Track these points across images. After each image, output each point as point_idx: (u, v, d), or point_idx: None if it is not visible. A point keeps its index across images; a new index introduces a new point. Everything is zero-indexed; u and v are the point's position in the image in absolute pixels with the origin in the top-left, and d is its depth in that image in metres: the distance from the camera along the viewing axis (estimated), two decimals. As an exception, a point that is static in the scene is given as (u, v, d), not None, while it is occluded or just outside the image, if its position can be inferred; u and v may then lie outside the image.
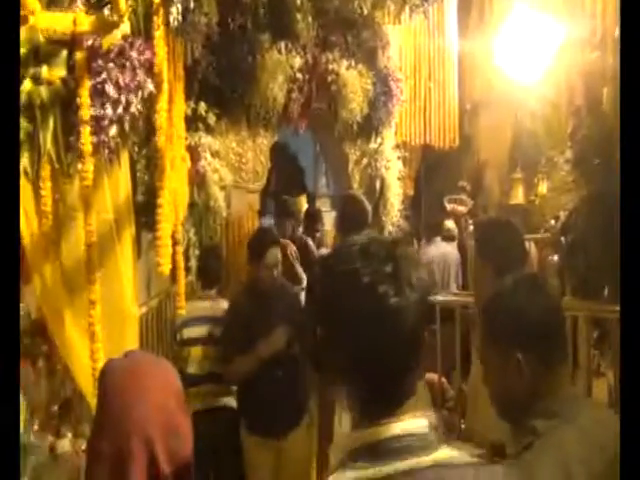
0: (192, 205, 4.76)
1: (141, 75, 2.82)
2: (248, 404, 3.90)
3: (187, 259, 4.66)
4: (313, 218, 6.90)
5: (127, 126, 2.78)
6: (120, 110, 2.72)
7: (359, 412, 1.15)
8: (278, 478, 3.86)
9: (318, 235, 6.77)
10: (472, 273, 2.90)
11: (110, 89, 2.70)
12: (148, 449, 1.28)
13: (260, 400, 3.76)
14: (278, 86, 5.30)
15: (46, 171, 2.62)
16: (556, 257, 4.03)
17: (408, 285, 1.10)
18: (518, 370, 1.61)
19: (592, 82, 4.13)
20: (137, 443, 1.27)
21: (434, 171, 7.88)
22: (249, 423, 3.87)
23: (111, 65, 2.72)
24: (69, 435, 2.79)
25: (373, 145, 6.32)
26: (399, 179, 6.52)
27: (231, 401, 4.20)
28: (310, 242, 6.41)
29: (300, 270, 5.59)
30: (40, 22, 2.62)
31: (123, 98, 2.73)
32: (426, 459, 1.09)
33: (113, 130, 2.73)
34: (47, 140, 2.60)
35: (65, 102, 2.66)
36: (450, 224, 6.62)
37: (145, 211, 3.71)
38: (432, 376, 3.99)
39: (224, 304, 4.35)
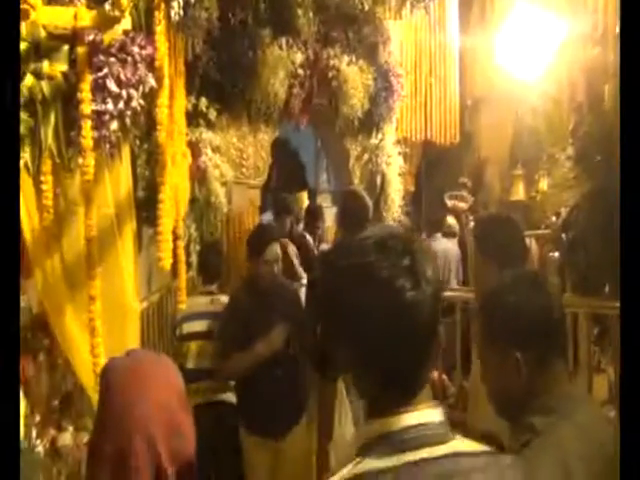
0: (193, 201, 4.76)
1: (142, 70, 2.82)
2: (247, 404, 3.89)
3: (188, 254, 4.66)
4: (314, 214, 6.89)
5: (128, 121, 2.77)
6: (121, 105, 2.72)
7: (373, 403, 1.16)
8: (276, 478, 3.84)
9: (319, 232, 6.77)
10: (473, 269, 2.90)
11: (111, 84, 2.69)
12: (151, 448, 1.28)
13: (259, 400, 3.74)
14: (279, 82, 5.30)
15: (47, 166, 2.62)
16: (557, 254, 4.02)
17: (424, 278, 1.12)
18: (516, 367, 1.61)
19: (594, 78, 4.12)
20: (140, 442, 1.27)
21: (435, 167, 7.87)
22: (248, 423, 3.85)
23: (112, 60, 2.71)
24: (70, 429, 2.80)
25: (374, 141, 6.32)
26: (400, 175, 6.52)
27: (230, 397, 4.20)
28: (309, 239, 6.41)
29: (300, 269, 5.58)
30: (41, 17, 2.62)
31: (124, 93, 2.72)
32: (440, 449, 1.11)
33: (114, 125, 2.72)
34: (48, 135, 2.60)
35: (66, 97, 2.65)
36: (451, 220, 6.61)
37: (146, 206, 3.71)
38: (432, 373, 3.99)
39: (224, 299, 4.35)
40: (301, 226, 6.82)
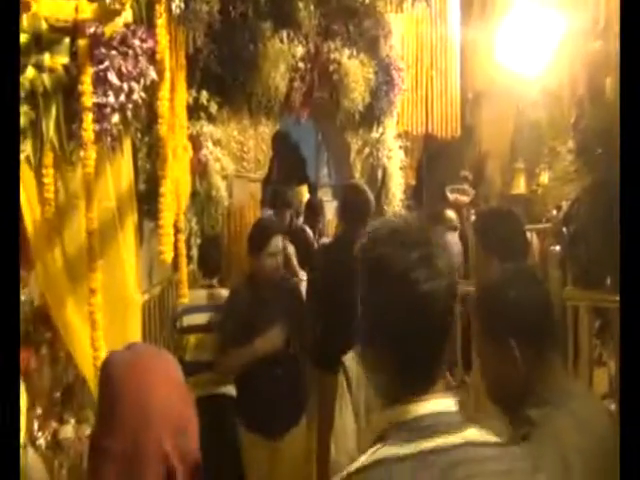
0: (194, 194, 4.76)
1: (143, 63, 2.81)
2: (246, 401, 3.88)
3: (189, 248, 4.67)
4: (314, 208, 6.90)
5: (129, 114, 2.77)
6: (122, 98, 2.72)
7: (390, 392, 1.18)
8: (274, 476, 3.83)
9: (319, 225, 6.77)
10: (473, 263, 2.90)
11: (112, 77, 2.69)
12: (159, 444, 1.27)
13: (258, 398, 3.73)
14: (280, 75, 5.29)
15: (49, 159, 2.62)
16: (558, 247, 4.01)
17: (439, 270, 1.14)
18: (513, 361, 1.62)
19: (595, 71, 4.11)
20: (148, 438, 1.26)
21: (436, 161, 7.87)
22: (246, 421, 3.85)
23: (114, 53, 2.71)
24: (72, 421, 2.80)
25: (375, 134, 6.31)
26: (401, 169, 6.52)
27: (231, 390, 4.21)
28: (309, 232, 6.41)
29: (297, 268, 5.56)
30: (42, 9, 2.61)
31: (125, 86, 2.72)
32: (456, 437, 1.13)
33: (115, 118, 2.72)
34: (50, 127, 2.59)
35: (67, 89, 2.65)
36: (451, 214, 6.61)
37: (147, 199, 3.72)
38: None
39: (225, 293, 4.36)
40: (301, 220, 6.83)
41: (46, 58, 2.61)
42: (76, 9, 2.66)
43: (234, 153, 5.47)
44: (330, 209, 7.37)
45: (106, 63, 2.69)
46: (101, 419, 1.34)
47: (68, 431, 2.79)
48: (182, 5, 3.41)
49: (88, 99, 2.64)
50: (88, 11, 2.67)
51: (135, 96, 2.76)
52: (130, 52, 2.76)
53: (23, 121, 2.54)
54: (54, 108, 2.61)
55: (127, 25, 2.83)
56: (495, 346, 1.67)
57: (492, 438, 1.19)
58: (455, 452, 1.12)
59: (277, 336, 3.65)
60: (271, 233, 3.79)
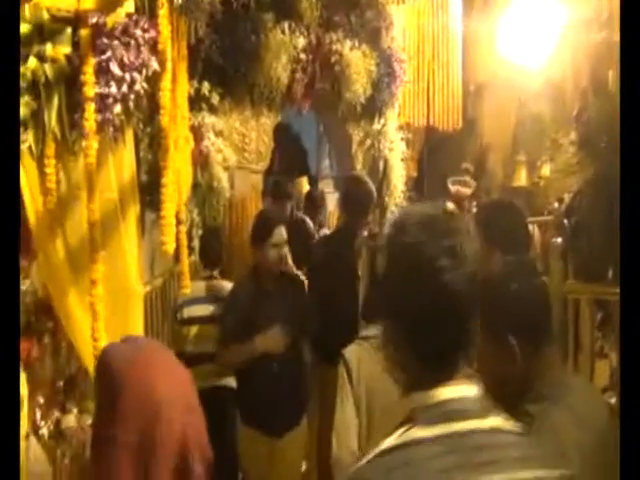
0: (195, 186, 4.75)
1: (145, 53, 2.81)
2: (246, 398, 3.87)
3: (190, 239, 4.67)
4: (315, 200, 6.89)
5: (132, 104, 2.77)
6: (125, 88, 2.71)
7: (415, 377, 1.21)
8: (273, 470, 3.83)
9: (320, 217, 6.77)
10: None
11: (115, 67, 2.68)
12: (171, 428, 1.26)
13: (259, 396, 3.72)
14: (282, 66, 5.28)
15: (51, 149, 2.61)
16: (559, 240, 4.01)
17: (465, 258, 1.18)
18: (511, 356, 1.62)
19: (598, 63, 4.10)
20: (160, 425, 1.25)
21: (437, 153, 7.86)
22: (246, 417, 3.84)
23: (116, 43, 2.70)
24: (74, 411, 2.81)
25: (376, 126, 6.29)
26: (402, 160, 6.51)
27: (232, 382, 4.21)
28: (309, 223, 6.41)
29: (293, 268, 5.52)
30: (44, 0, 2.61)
31: (128, 76, 2.71)
32: (481, 422, 1.17)
33: (118, 108, 2.71)
34: (52, 118, 2.59)
35: (70, 80, 2.64)
36: (450, 206, 6.59)
37: (149, 190, 3.71)
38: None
39: (226, 285, 4.36)
40: (302, 211, 6.82)
41: (48, 48, 2.60)
42: (78, -1, 2.65)
43: (236, 144, 5.46)
44: (332, 201, 7.37)
45: (108, 53, 2.68)
46: (102, 410, 1.33)
47: (70, 420, 2.80)
48: (184, -5, 3.41)
49: (90, 89, 2.63)
50: (90, 1, 2.66)
51: (137, 87, 2.75)
52: (132, 42, 2.75)
53: (25, 111, 2.53)
54: (56, 98, 2.61)
55: (129, 15, 2.82)
56: (493, 339, 1.67)
57: (513, 426, 1.21)
58: (480, 437, 1.15)
59: (278, 337, 3.64)
60: (274, 223, 3.78)
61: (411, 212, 1.25)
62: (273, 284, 3.79)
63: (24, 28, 2.55)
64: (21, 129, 2.53)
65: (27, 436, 2.61)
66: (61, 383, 2.82)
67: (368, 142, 6.33)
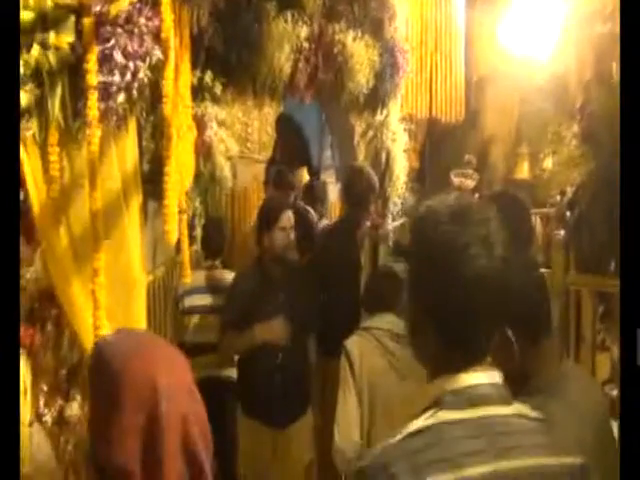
0: (198, 175, 4.74)
1: (149, 42, 2.80)
2: (247, 389, 3.87)
3: (192, 229, 4.66)
4: (317, 190, 6.89)
5: (135, 93, 2.76)
6: (128, 77, 2.70)
7: (440, 363, 1.24)
8: (274, 462, 3.82)
9: (321, 208, 6.76)
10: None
11: (118, 55, 2.68)
12: (176, 411, 1.25)
13: (260, 387, 3.71)
14: (284, 56, 5.25)
15: (54, 137, 2.61)
16: (562, 232, 4.01)
17: (497, 248, 1.22)
18: (509, 350, 1.63)
19: (602, 56, 4.09)
20: (165, 410, 1.24)
21: (439, 144, 7.85)
22: (247, 408, 3.83)
23: (119, 31, 2.69)
24: (78, 398, 2.82)
25: (379, 117, 6.27)
26: (405, 152, 6.49)
27: (233, 372, 4.22)
28: (312, 213, 6.40)
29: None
30: (47, -13, 2.60)
31: (131, 65, 2.71)
32: (507, 408, 1.20)
33: (121, 97, 2.71)
34: (55, 106, 2.59)
35: (73, 68, 2.64)
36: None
37: (151, 179, 3.70)
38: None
39: (227, 275, 4.37)
40: (303, 202, 6.82)
41: (51, 36, 2.60)
42: (81, -13, 2.64)
43: (238, 134, 5.44)
44: (334, 191, 7.36)
45: (112, 42, 2.68)
46: (102, 401, 1.30)
47: (74, 408, 2.81)
48: (187, -17, 3.39)
49: (93, 78, 2.63)
50: (93, -11, 2.66)
51: (141, 75, 2.75)
52: (136, 31, 2.74)
53: (28, 99, 2.53)
54: (59, 86, 2.60)
55: (132, 3, 2.81)
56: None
57: (538, 414, 1.25)
58: (506, 422, 1.18)
59: (281, 327, 3.63)
60: (282, 208, 3.79)
61: (439, 204, 1.27)
62: (278, 270, 3.79)
63: (27, 16, 2.55)
64: (25, 117, 2.53)
65: (31, 424, 2.63)
66: (64, 371, 2.83)
67: (370, 133, 6.31)
